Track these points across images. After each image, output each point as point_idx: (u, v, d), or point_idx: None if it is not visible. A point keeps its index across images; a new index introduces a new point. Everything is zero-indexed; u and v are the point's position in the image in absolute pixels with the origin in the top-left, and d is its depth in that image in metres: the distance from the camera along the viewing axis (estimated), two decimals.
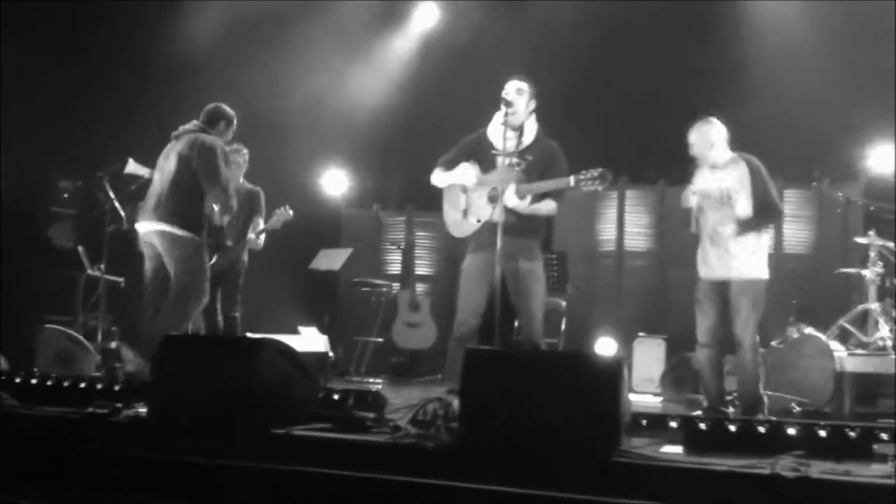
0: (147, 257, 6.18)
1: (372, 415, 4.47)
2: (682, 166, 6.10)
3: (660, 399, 7.57)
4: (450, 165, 5.84)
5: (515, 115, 5.62)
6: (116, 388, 4.99)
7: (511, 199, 5.47)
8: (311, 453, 4.03)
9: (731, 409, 5.85)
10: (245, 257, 7.28)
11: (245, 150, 7.19)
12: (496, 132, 5.66)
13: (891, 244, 7.25)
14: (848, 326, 7.27)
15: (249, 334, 6.56)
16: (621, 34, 9.50)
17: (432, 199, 6.23)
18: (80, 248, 8.33)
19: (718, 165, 5.85)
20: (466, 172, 5.74)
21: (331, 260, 9.11)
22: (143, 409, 4.62)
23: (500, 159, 5.59)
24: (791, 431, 3.96)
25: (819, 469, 3.49)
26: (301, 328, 8.07)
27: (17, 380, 5.18)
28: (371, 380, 8.49)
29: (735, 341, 5.74)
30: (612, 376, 3.89)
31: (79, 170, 8.53)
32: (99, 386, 5.03)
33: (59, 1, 8.49)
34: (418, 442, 4.00)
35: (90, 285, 8.13)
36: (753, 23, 9.34)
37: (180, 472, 4.08)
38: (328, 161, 10.85)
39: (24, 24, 8.40)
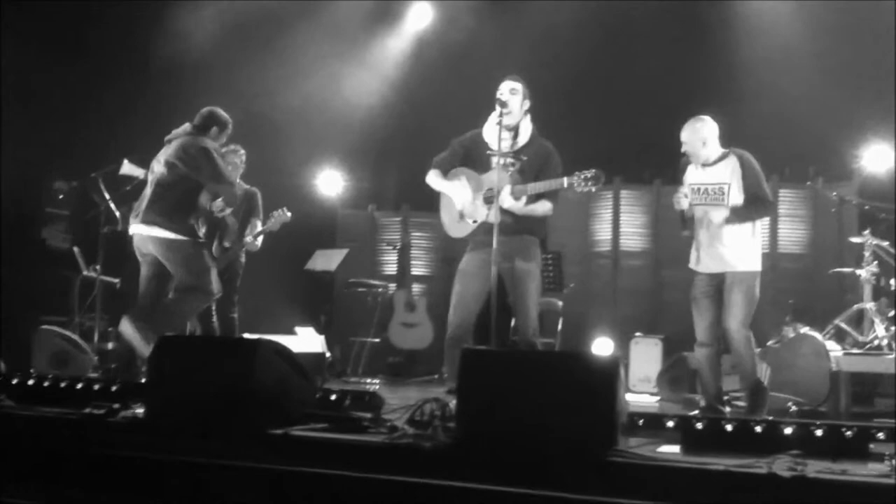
0: (141, 262, 6.16)
1: (369, 415, 4.47)
2: (678, 166, 6.11)
3: (657, 399, 7.58)
4: (445, 166, 5.84)
5: (510, 116, 5.62)
6: (113, 388, 4.98)
7: (507, 199, 5.48)
8: (309, 454, 4.03)
9: (728, 409, 5.86)
10: (243, 258, 7.28)
11: (242, 151, 7.19)
12: (491, 132, 5.67)
13: (885, 244, 7.27)
14: (844, 326, 7.28)
15: (246, 335, 6.57)
16: (617, 34, 9.51)
17: (428, 200, 6.24)
18: (75, 249, 8.32)
19: (710, 162, 5.86)
20: (460, 192, 5.74)
21: (327, 260, 9.12)
22: (140, 410, 4.61)
23: (495, 160, 5.59)
24: (787, 431, 3.97)
25: (815, 468, 3.50)
26: (298, 329, 8.06)
27: (14, 381, 5.18)
28: (368, 380, 8.49)
29: (727, 331, 5.74)
30: (608, 376, 3.89)
31: (74, 170, 8.51)
32: (96, 387, 5.03)
33: (57, 1, 8.48)
34: (415, 442, 4.00)
35: (86, 286, 8.13)
36: (749, 23, 9.35)
37: (178, 472, 4.07)
38: (323, 161, 10.85)
39: (21, 24, 8.39)
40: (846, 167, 9.02)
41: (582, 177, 5.39)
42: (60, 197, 8.97)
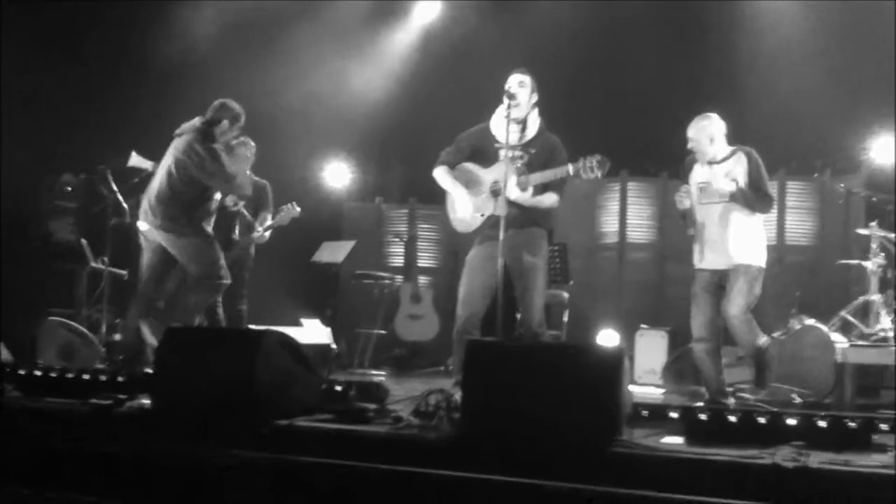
0: (145, 249, 6.20)
1: (374, 406, 4.50)
2: (683, 164, 6.11)
3: (662, 391, 7.58)
4: (451, 162, 5.85)
5: (518, 108, 5.63)
6: (120, 379, 5.01)
7: (513, 191, 5.49)
8: (314, 444, 4.06)
9: (731, 401, 5.86)
10: (252, 251, 7.31)
11: (252, 144, 7.19)
12: (499, 125, 5.68)
13: (892, 235, 7.25)
14: (849, 318, 7.27)
15: (252, 326, 6.59)
16: (623, 27, 9.48)
17: (434, 192, 6.24)
18: (82, 241, 8.35)
19: (718, 160, 5.86)
20: (464, 200, 5.74)
21: (333, 252, 9.12)
22: (146, 401, 4.64)
23: (503, 153, 5.60)
24: (791, 422, 3.99)
25: (819, 459, 3.52)
26: (304, 320, 8.07)
27: (21, 372, 5.21)
28: (373, 372, 8.50)
29: (727, 318, 5.74)
30: (612, 368, 3.91)
31: (81, 163, 8.54)
32: (102, 378, 5.06)
33: (54, 2, 8.50)
34: (420, 433, 4.03)
35: (93, 278, 8.15)
36: (755, 16, 9.32)
37: (183, 462, 4.10)
38: (330, 154, 10.85)
39: (25, 19, 8.41)
40: (853, 159, 8.99)
41: (587, 163, 5.40)
42: (68, 189, 8.99)
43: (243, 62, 9.20)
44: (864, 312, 7.27)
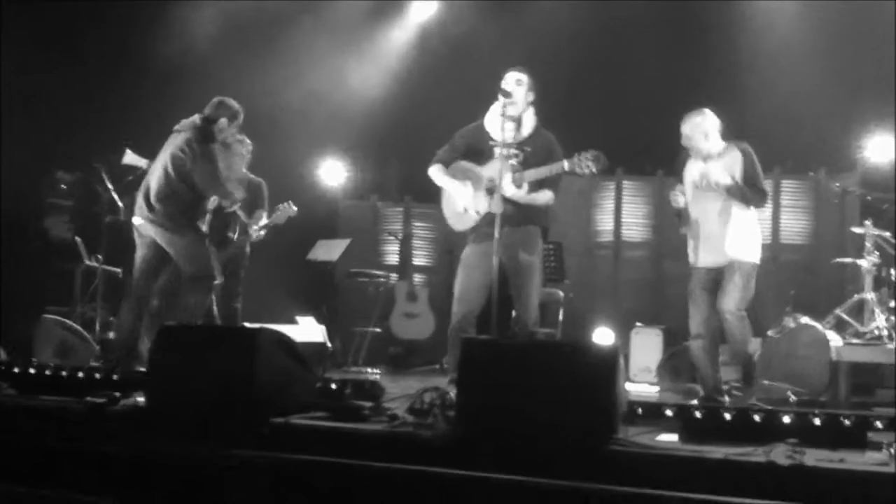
0: (139, 245, 6.19)
1: (369, 404, 4.49)
2: (677, 160, 6.11)
3: (657, 389, 7.59)
4: (446, 160, 5.84)
5: (514, 106, 5.62)
6: (115, 377, 5.01)
7: (508, 188, 5.49)
8: (310, 442, 4.05)
9: (727, 399, 5.87)
10: (247, 249, 7.30)
11: (248, 142, 7.18)
12: (494, 123, 5.67)
13: (887, 234, 7.28)
14: (844, 316, 7.29)
15: (247, 325, 6.58)
16: (620, 26, 9.50)
17: (430, 191, 6.24)
18: (77, 239, 8.34)
19: (713, 156, 5.86)
20: (461, 193, 5.74)
21: (329, 250, 9.12)
22: (141, 399, 4.63)
23: (497, 150, 5.60)
24: (786, 420, 3.99)
25: (814, 457, 3.52)
26: (299, 318, 8.07)
27: (16, 370, 5.21)
28: (369, 370, 8.50)
29: (722, 313, 5.74)
30: (608, 365, 3.91)
31: (76, 161, 8.53)
32: (97, 376, 5.05)
33: (53, 2, 8.49)
34: (415, 431, 4.03)
35: (88, 276, 8.14)
36: (751, 15, 9.33)
37: (178, 461, 4.09)
38: (326, 152, 10.84)
39: (18, 28, 8.40)
40: (849, 158, 9.01)
41: (582, 158, 5.39)
42: (63, 187, 8.98)
43: (242, 62, 9.20)
44: (859, 311, 7.29)
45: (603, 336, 8.77)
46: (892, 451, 3.60)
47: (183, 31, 9.17)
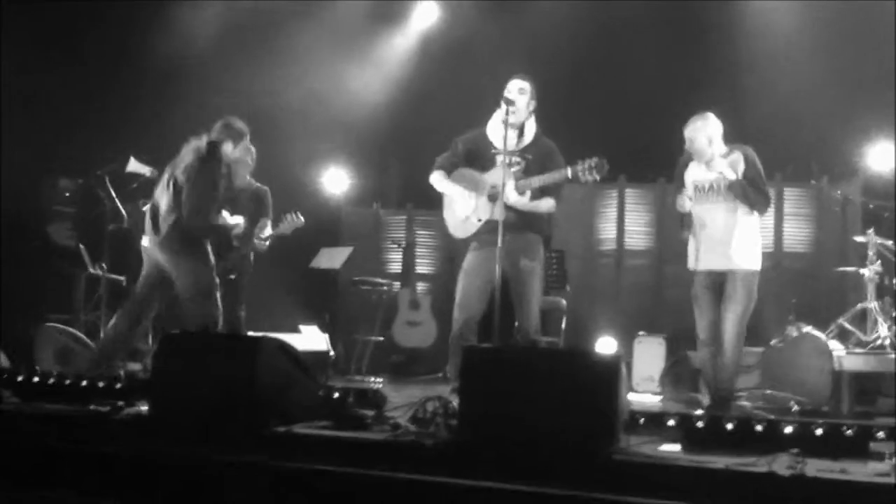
0: (145, 262, 6.13)
1: (372, 412, 4.50)
2: (677, 164, 6.11)
3: (659, 398, 7.58)
4: (448, 166, 5.86)
5: (517, 114, 5.64)
6: (118, 385, 5.01)
7: (511, 195, 5.50)
8: (312, 450, 4.06)
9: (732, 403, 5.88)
10: (251, 257, 7.28)
11: (252, 149, 7.16)
12: (496, 131, 5.69)
13: (889, 242, 7.27)
14: (847, 325, 7.28)
15: (250, 333, 6.58)
16: (620, 32, 9.50)
17: (433, 198, 6.25)
18: (80, 247, 8.35)
19: (716, 159, 5.86)
20: (463, 199, 5.75)
21: (331, 258, 9.12)
22: (144, 407, 4.64)
23: (499, 158, 5.61)
24: (788, 430, 3.99)
25: (815, 467, 3.52)
26: (302, 326, 8.08)
27: (19, 378, 5.21)
28: (371, 378, 8.50)
29: (723, 325, 5.75)
30: (610, 374, 3.91)
31: (80, 168, 8.54)
32: (100, 384, 5.05)
33: (53, 2, 8.51)
34: (418, 439, 4.03)
35: (91, 284, 8.15)
36: (752, 21, 9.34)
37: (181, 468, 4.10)
38: (328, 159, 10.84)
39: (18, 28, 8.42)
40: (850, 166, 9.00)
41: (585, 165, 5.41)
42: (66, 194, 8.99)
43: (243, 63, 9.22)
44: (862, 320, 7.28)
45: (606, 345, 8.76)
46: (894, 461, 3.60)
47: (183, 32, 9.19)
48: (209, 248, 6.11)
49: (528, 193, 5.56)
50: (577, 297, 9.19)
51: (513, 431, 3.87)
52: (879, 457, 3.77)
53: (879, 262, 7.23)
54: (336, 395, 4.68)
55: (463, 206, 5.75)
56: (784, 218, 9.46)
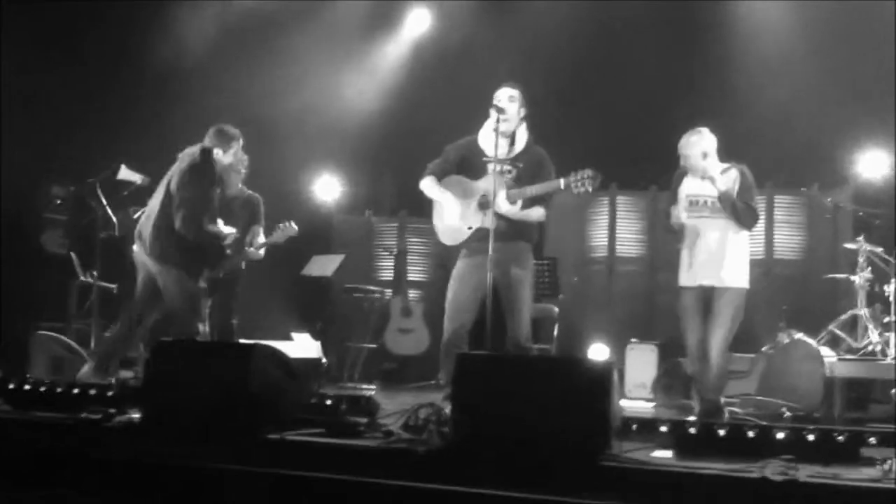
0: (139, 270, 6.14)
1: (364, 420, 4.50)
2: (672, 177, 6.11)
3: (652, 405, 7.59)
4: (439, 173, 5.85)
5: (507, 122, 5.64)
6: (109, 393, 5.00)
7: (502, 204, 5.50)
8: (304, 458, 4.06)
9: (726, 413, 5.89)
10: (243, 265, 7.27)
11: (245, 157, 7.17)
12: (487, 139, 5.69)
13: (879, 250, 7.31)
14: (838, 332, 7.31)
15: (242, 340, 6.57)
16: (611, 40, 9.53)
17: (425, 205, 6.25)
18: (72, 255, 8.33)
19: (710, 174, 5.87)
20: (452, 206, 5.75)
21: (323, 266, 9.12)
22: (136, 415, 4.63)
23: (490, 166, 5.62)
24: (780, 436, 4.00)
25: (807, 473, 3.53)
26: (294, 334, 8.07)
27: (11, 386, 5.19)
28: (364, 385, 8.50)
29: (709, 341, 5.76)
30: (602, 381, 3.92)
31: (71, 176, 8.53)
32: (92, 392, 5.04)
33: (53, 3, 8.51)
34: (410, 446, 4.03)
35: (83, 291, 8.13)
36: (743, 29, 9.37)
37: (173, 477, 4.09)
38: (320, 167, 10.85)
39: (18, 28, 8.42)
40: (841, 173, 9.04)
41: (578, 177, 5.41)
42: (58, 202, 8.98)
43: (242, 63, 9.22)
44: (853, 326, 7.31)
45: (598, 352, 8.77)
46: (886, 466, 3.61)
47: (183, 33, 9.19)
48: (199, 258, 6.12)
49: (520, 202, 5.56)
50: (569, 304, 9.20)
51: (505, 438, 3.87)
52: (871, 462, 3.78)
53: (870, 269, 7.27)
54: (328, 402, 4.67)
55: (453, 214, 5.75)
56: (775, 225, 9.49)
